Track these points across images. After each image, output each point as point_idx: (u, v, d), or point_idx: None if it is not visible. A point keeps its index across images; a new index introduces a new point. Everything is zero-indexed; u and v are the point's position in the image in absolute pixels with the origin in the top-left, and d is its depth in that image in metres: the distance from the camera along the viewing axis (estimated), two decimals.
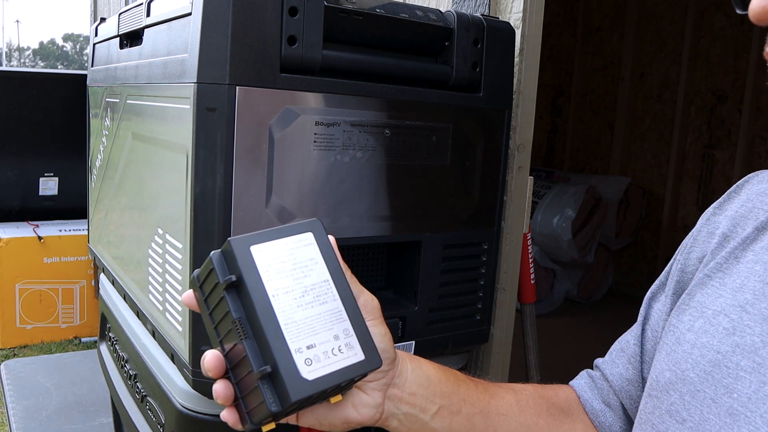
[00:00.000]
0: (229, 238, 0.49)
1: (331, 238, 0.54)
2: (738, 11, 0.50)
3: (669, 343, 0.57)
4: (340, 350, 0.50)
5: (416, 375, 0.59)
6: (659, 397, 0.54)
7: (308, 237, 0.53)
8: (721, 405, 0.48)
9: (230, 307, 0.49)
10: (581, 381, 0.72)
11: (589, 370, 0.73)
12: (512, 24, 1.07)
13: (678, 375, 0.53)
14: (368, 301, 0.56)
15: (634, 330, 0.67)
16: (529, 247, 1.28)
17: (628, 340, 0.68)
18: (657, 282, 0.66)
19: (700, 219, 0.63)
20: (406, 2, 1.04)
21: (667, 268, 0.65)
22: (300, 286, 0.50)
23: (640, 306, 0.67)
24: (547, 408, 0.67)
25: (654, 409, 0.55)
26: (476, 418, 0.62)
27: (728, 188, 0.63)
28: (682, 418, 0.51)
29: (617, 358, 0.68)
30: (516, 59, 1.10)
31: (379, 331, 0.55)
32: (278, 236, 0.51)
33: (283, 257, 0.51)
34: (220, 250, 0.50)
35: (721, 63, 3.38)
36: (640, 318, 0.67)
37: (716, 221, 0.60)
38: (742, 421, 0.46)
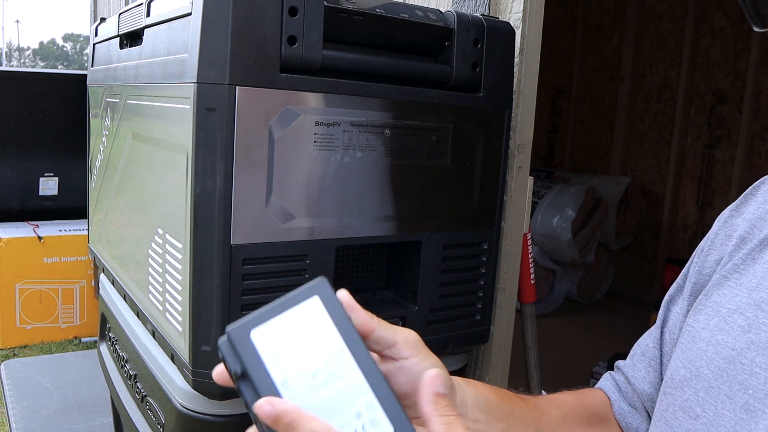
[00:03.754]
0: (227, 327, 0.46)
1: (343, 293, 0.50)
2: (756, 29, 0.50)
3: (684, 342, 0.57)
4: (363, 429, 0.46)
5: (476, 401, 0.58)
6: (673, 394, 0.55)
7: (314, 303, 0.48)
8: (737, 401, 0.48)
9: (246, 399, 0.46)
10: (607, 383, 0.72)
11: (612, 373, 0.73)
12: (512, 24, 1.07)
13: (692, 372, 0.53)
14: (407, 337, 0.53)
15: (653, 333, 0.68)
16: (529, 247, 1.28)
17: (647, 343, 0.68)
18: (674, 285, 0.67)
19: (716, 221, 0.64)
20: (406, 2, 1.04)
21: (684, 271, 0.66)
22: (310, 365, 0.47)
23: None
24: (588, 417, 0.68)
25: (668, 405, 0.55)
26: None
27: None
28: (695, 413, 0.51)
29: (638, 362, 0.69)
30: (516, 59, 1.10)
31: (427, 365, 0.52)
32: (281, 311, 0.48)
33: (288, 336, 0.47)
34: (226, 338, 0.47)
35: (721, 63, 3.38)
36: (658, 321, 0.67)
37: (734, 223, 0.61)
38: (759, 417, 0.47)
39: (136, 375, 1.13)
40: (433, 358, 0.52)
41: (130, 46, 1.13)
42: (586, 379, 2.29)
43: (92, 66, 1.41)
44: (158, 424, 1.00)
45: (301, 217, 0.87)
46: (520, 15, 1.10)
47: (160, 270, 0.95)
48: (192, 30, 0.80)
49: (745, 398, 0.48)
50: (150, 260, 1.00)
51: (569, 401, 0.68)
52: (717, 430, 0.49)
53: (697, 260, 0.63)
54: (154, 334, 1.01)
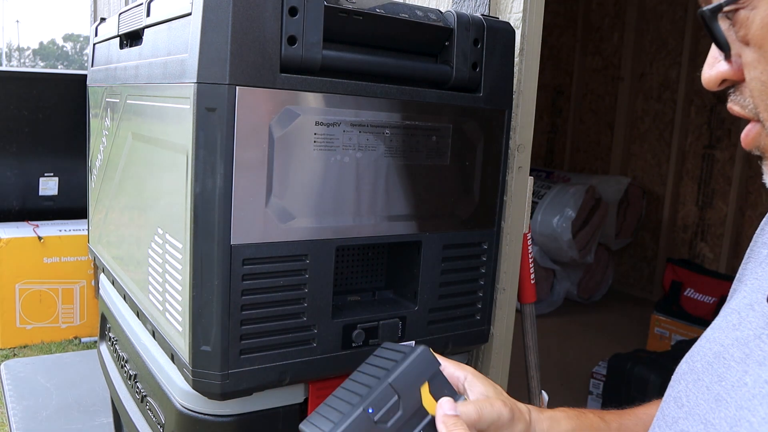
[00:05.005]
0: None
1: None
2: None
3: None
4: None
5: None
6: (672, 386, 0.59)
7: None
8: (712, 392, 0.52)
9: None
10: None
11: None
12: (512, 24, 1.07)
13: (690, 366, 0.57)
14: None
15: None
16: (529, 247, 1.28)
17: None
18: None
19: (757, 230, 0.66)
20: (406, 2, 1.04)
21: None
22: None
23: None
24: None
25: (667, 397, 0.59)
26: None
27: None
28: (681, 403, 0.55)
29: None
30: (516, 59, 1.10)
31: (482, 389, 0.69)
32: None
33: None
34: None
35: None
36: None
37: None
38: (723, 406, 0.50)
39: (136, 375, 1.13)
40: (486, 386, 0.70)
41: (130, 46, 1.13)
42: (586, 379, 2.29)
43: (92, 66, 1.41)
44: (158, 424, 1.00)
45: (301, 217, 0.87)
46: (520, 15, 1.10)
47: (160, 270, 0.95)
48: (192, 30, 0.80)
49: (718, 390, 0.51)
50: (150, 260, 1.00)
51: (646, 419, 0.71)
52: (692, 418, 0.52)
53: (740, 267, 0.66)
54: (154, 334, 1.01)
